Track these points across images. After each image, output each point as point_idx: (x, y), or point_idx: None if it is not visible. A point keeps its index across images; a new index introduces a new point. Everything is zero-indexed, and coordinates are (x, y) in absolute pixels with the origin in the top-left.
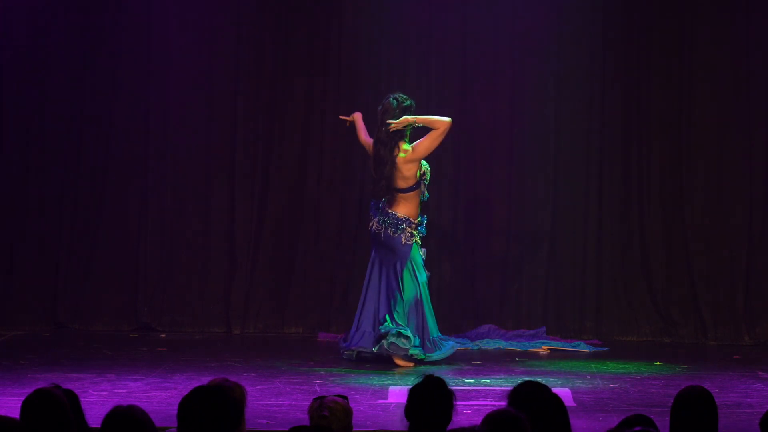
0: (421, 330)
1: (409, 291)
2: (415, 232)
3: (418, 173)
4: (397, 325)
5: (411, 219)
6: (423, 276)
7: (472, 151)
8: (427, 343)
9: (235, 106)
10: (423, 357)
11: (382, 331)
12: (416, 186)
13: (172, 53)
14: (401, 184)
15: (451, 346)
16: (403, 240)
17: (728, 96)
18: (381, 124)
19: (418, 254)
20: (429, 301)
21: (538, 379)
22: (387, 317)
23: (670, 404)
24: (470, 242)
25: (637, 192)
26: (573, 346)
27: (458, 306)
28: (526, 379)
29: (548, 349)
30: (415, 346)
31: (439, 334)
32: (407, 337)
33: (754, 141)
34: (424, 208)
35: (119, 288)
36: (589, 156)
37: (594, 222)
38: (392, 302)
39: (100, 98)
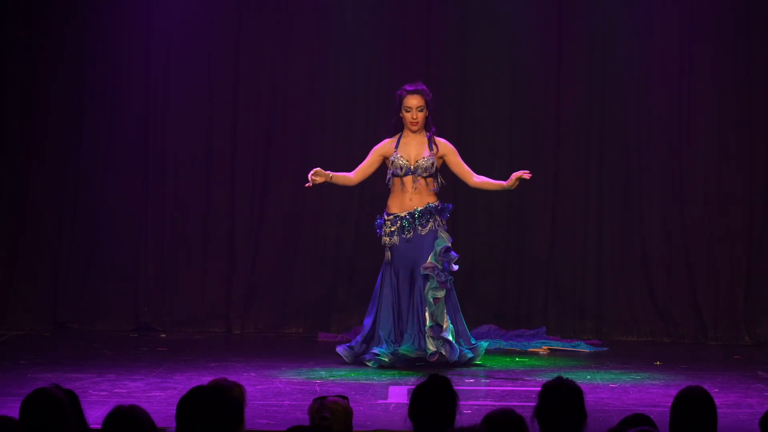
0: (395, 331)
1: (386, 306)
2: (387, 229)
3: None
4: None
5: (388, 212)
6: (401, 280)
7: (472, 151)
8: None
9: (236, 105)
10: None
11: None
12: (389, 175)
13: (173, 52)
14: None
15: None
16: (382, 242)
17: (728, 96)
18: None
19: (393, 252)
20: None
21: (547, 378)
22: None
23: (670, 404)
24: (470, 242)
25: (637, 192)
26: (573, 346)
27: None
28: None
29: (548, 349)
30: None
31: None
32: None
33: (754, 141)
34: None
35: (119, 288)
36: (589, 156)
37: (594, 222)
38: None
39: (99, 98)
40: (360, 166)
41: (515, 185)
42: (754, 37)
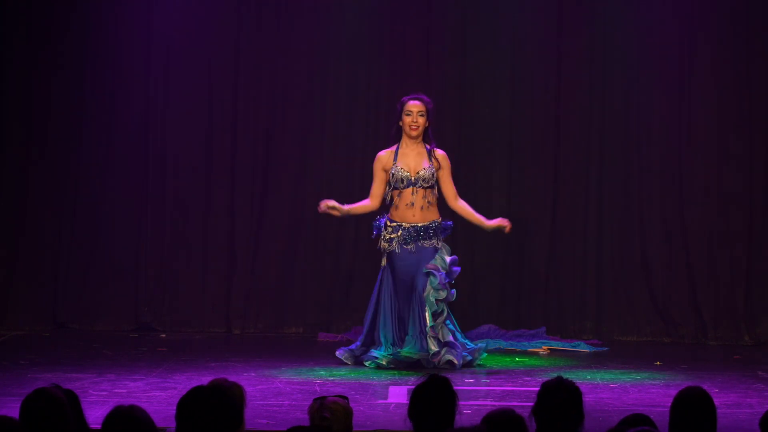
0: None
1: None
2: (387, 234)
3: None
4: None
5: (390, 218)
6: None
7: (472, 151)
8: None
9: (236, 105)
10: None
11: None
12: (389, 190)
13: (173, 52)
14: None
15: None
16: (379, 245)
17: (728, 96)
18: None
19: (393, 258)
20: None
21: (546, 378)
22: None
23: (670, 404)
24: (470, 242)
25: (637, 192)
26: (573, 346)
27: (458, 306)
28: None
29: (548, 349)
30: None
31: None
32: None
33: (754, 141)
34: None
35: (119, 288)
36: (589, 156)
37: (594, 222)
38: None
39: (100, 98)
40: (373, 191)
41: (494, 229)
42: (754, 37)
